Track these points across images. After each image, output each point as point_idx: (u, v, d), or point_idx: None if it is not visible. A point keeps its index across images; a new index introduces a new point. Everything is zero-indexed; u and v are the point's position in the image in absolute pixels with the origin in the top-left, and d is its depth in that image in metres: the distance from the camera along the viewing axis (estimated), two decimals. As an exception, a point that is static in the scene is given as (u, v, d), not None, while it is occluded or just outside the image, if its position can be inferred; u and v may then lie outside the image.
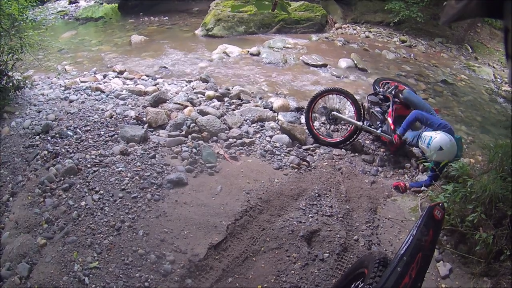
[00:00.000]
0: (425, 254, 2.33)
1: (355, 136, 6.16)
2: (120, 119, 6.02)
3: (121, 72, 8.69)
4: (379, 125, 6.16)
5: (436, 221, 2.45)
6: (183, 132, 5.74)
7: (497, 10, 0.77)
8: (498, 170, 3.93)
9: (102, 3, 16.72)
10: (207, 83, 7.99)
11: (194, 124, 5.86)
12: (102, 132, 5.63)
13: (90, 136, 5.52)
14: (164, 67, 9.33)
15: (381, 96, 6.51)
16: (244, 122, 6.31)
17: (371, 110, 6.42)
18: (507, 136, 6.62)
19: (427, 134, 5.16)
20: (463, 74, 10.84)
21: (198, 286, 3.59)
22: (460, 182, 4.13)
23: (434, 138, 5.02)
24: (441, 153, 4.90)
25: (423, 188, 5.15)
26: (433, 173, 5.00)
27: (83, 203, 4.33)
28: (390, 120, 6.00)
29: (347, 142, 6.18)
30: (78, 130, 5.65)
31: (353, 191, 5.12)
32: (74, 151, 5.20)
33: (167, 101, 6.74)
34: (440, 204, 2.52)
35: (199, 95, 7.21)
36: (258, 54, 10.31)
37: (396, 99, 6.21)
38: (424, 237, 2.36)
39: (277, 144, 5.83)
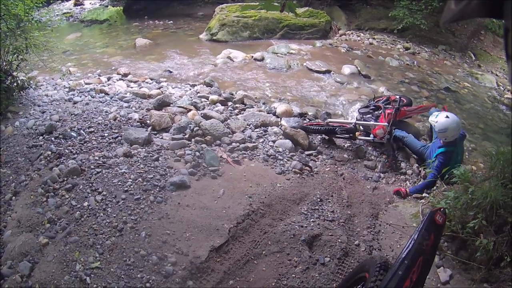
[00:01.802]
0: (426, 258, 2.35)
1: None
2: (124, 122, 6.05)
3: (125, 75, 8.73)
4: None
5: (437, 225, 2.46)
6: (187, 136, 5.77)
7: (497, 10, 0.78)
8: (499, 177, 3.94)
9: (107, 6, 16.86)
10: (211, 87, 8.03)
11: (197, 128, 5.88)
12: (105, 134, 5.66)
13: (94, 138, 5.55)
14: (168, 70, 9.36)
15: (372, 107, 6.67)
16: (247, 126, 6.33)
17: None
18: (508, 143, 6.62)
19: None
20: (466, 81, 10.84)
21: (199, 288, 3.61)
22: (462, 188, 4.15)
23: (443, 112, 5.58)
24: (446, 120, 5.27)
25: (424, 194, 5.17)
26: (434, 175, 5.13)
27: (85, 203, 4.36)
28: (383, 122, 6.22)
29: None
30: (82, 132, 5.67)
31: (354, 196, 5.14)
32: (78, 152, 5.23)
33: (171, 105, 6.77)
34: (442, 209, 2.54)
35: (203, 99, 7.25)
36: (262, 59, 10.35)
37: (387, 106, 6.41)
38: (425, 241, 2.37)
39: (280, 149, 5.84)
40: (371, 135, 6.27)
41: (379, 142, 6.24)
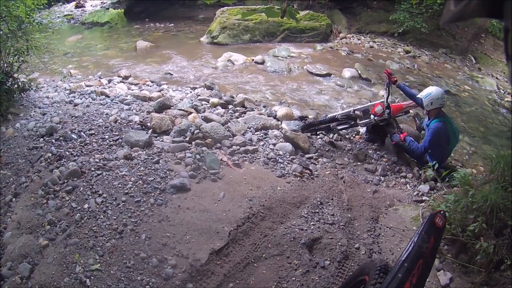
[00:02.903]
0: (426, 261, 2.34)
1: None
2: (125, 124, 6.05)
3: (126, 77, 8.74)
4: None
5: (437, 228, 2.46)
6: (187, 138, 5.76)
7: (497, 10, 0.77)
8: (499, 180, 3.94)
9: (108, 8, 16.88)
10: (212, 90, 8.03)
11: (198, 131, 5.88)
12: (106, 136, 5.65)
13: (94, 140, 5.55)
14: (169, 73, 9.39)
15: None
16: (248, 129, 6.33)
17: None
18: (509, 146, 6.62)
19: None
20: (467, 85, 10.86)
21: (199, 290, 3.60)
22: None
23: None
24: (432, 87, 5.96)
25: (424, 198, 5.18)
26: (423, 145, 5.82)
27: (86, 205, 4.35)
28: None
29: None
30: (83, 134, 5.67)
31: (355, 200, 5.13)
32: (78, 154, 5.23)
33: (172, 107, 6.77)
34: (442, 212, 2.54)
35: (203, 102, 7.24)
36: (262, 62, 10.37)
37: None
38: (425, 244, 2.37)
39: (280, 152, 5.83)
40: (372, 116, 6.30)
41: (381, 119, 6.24)
